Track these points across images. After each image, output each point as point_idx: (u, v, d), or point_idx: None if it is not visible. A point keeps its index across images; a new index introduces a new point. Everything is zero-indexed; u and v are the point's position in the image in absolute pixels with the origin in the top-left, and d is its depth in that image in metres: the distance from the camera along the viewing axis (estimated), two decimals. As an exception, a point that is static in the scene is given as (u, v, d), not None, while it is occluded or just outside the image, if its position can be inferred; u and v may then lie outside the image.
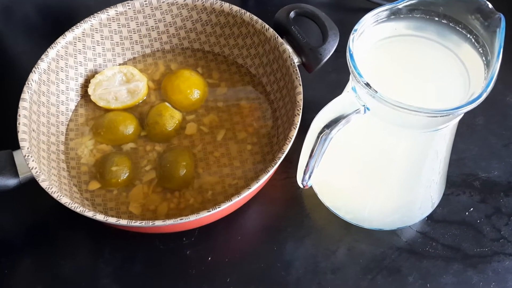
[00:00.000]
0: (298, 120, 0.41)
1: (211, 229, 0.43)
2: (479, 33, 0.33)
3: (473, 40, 0.33)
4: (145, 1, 0.48)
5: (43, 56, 0.45)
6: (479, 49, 0.33)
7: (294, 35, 0.46)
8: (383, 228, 0.44)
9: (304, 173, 0.37)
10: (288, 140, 0.40)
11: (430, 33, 0.34)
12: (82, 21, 0.47)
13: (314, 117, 0.35)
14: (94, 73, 0.49)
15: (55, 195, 0.38)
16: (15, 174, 0.41)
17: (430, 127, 0.34)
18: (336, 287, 0.41)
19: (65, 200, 0.38)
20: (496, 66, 0.31)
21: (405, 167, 0.39)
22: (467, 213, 0.45)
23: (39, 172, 0.39)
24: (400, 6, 0.34)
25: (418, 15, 0.35)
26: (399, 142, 0.36)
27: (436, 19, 0.34)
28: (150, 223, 0.37)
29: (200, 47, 0.51)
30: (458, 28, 0.34)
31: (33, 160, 0.40)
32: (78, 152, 0.46)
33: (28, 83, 0.44)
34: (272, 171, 0.39)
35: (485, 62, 0.33)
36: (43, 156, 0.42)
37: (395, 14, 0.34)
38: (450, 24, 0.34)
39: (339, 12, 0.55)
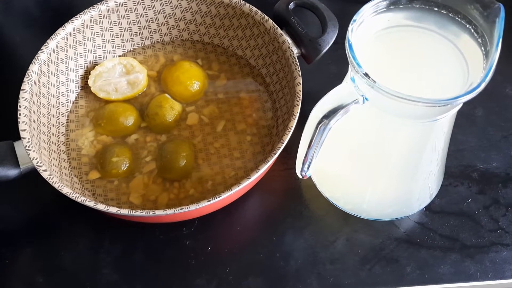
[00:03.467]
0: (297, 110, 0.41)
1: (210, 219, 0.44)
2: (478, 23, 0.33)
3: (472, 31, 0.33)
4: (144, -8, 0.48)
5: (43, 47, 0.45)
6: (478, 39, 0.33)
7: (293, 26, 0.46)
8: (381, 218, 0.44)
9: (303, 164, 0.38)
10: (287, 131, 0.40)
11: (429, 24, 0.35)
12: (82, 12, 0.47)
13: (313, 108, 0.35)
14: (94, 65, 0.49)
15: (56, 185, 0.39)
16: (16, 164, 0.41)
17: (428, 117, 0.34)
18: (335, 277, 0.41)
19: (66, 190, 0.38)
20: (495, 56, 0.31)
21: (403, 158, 0.39)
22: (465, 204, 0.45)
23: (40, 163, 0.39)
24: (399, -4, 0.34)
25: (417, 6, 0.35)
26: (398, 132, 0.36)
27: (436, 9, 0.35)
28: (151, 213, 0.37)
29: (200, 38, 0.51)
30: (457, 18, 0.34)
31: (34, 151, 0.40)
32: (79, 143, 0.46)
33: (28, 74, 0.44)
34: (271, 161, 0.40)
35: (484, 52, 0.33)
36: (43, 147, 0.43)
37: (394, 5, 0.34)
38: (450, 14, 0.34)
39: (339, 3, 0.54)
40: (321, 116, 0.34)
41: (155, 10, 0.50)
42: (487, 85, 0.31)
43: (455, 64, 0.34)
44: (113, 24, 0.49)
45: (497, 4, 0.32)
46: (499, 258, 0.42)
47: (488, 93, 0.38)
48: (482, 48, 0.33)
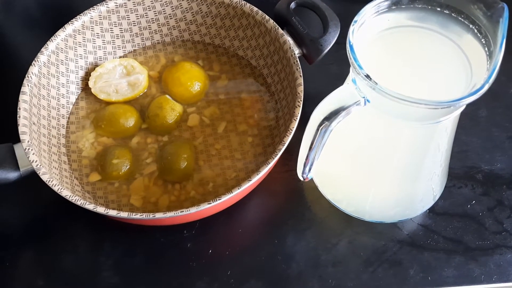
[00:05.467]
0: (298, 111, 0.41)
1: (211, 222, 0.43)
2: (481, 23, 0.33)
3: (475, 31, 0.33)
4: (145, -7, 0.48)
5: (42, 49, 0.45)
6: (482, 40, 0.33)
7: (294, 26, 0.45)
8: (384, 220, 0.43)
9: (304, 166, 0.37)
10: (289, 132, 0.40)
11: (431, 24, 0.34)
12: (81, 14, 0.47)
13: (314, 109, 0.34)
14: (94, 66, 0.49)
15: (55, 188, 0.38)
16: (16, 167, 0.41)
17: (431, 119, 0.33)
18: (337, 280, 0.41)
19: (66, 193, 0.38)
20: (499, 56, 0.31)
21: (406, 160, 0.38)
22: (469, 206, 0.44)
23: (40, 165, 0.39)
24: (401, -4, 0.34)
25: (419, 6, 0.34)
26: (400, 134, 0.36)
27: (438, 9, 0.34)
28: (150, 216, 0.37)
29: (201, 39, 0.51)
30: (460, 18, 0.34)
31: (33, 153, 0.40)
32: (79, 145, 0.46)
33: (28, 76, 0.44)
34: (273, 163, 0.39)
35: (487, 53, 0.32)
36: (43, 149, 0.42)
37: (396, 5, 0.34)
38: (452, 14, 0.34)
39: (340, 3, 0.54)
40: (322, 118, 0.33)
41: (155, 11, 0.49)
42: (491, 86, 0.30)
43: (458, 65, 0.33)
44: (113, 25, 0.49)
45: (501, 4, 0.32)
46: (503, 261, 0.42)
47: (492, 94, 0.37)
48: (486, 48, 0.32)
